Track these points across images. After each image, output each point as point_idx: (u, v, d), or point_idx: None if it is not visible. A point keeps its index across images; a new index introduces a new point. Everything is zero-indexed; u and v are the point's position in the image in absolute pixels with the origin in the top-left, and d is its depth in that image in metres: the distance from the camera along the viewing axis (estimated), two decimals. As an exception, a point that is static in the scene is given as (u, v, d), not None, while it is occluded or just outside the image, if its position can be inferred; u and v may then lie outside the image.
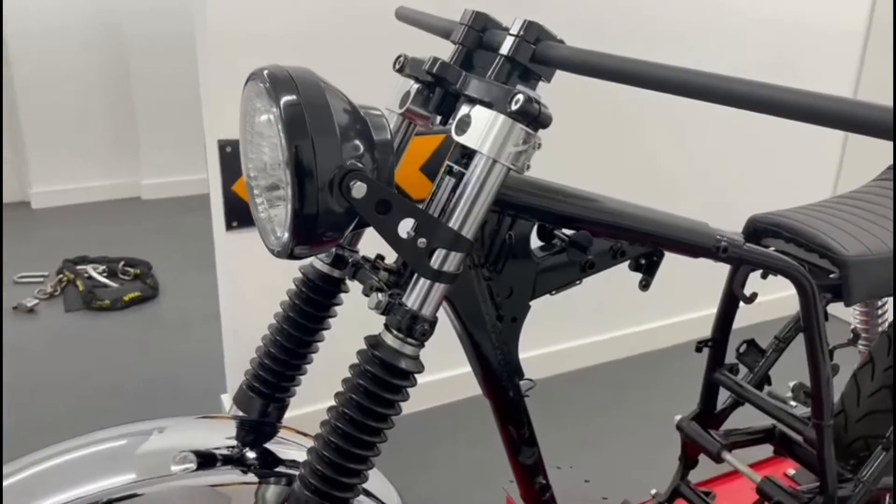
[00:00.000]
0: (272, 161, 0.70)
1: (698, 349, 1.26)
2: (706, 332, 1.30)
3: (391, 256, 0.82)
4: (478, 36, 0.83)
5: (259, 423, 0.90)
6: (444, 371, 2.17)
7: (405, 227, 0.73)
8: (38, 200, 3.96)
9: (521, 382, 0.96)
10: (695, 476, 1.42)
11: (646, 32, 2.25)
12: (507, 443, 0.99)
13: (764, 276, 1.10)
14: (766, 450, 1.39)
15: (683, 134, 2.45)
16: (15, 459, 0.85)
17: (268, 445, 0.87)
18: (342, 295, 0.92)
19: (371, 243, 0.87)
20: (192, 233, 3.53)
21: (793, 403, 1.34)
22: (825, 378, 1.07)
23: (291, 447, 0.87)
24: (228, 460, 0.82)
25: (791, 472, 1.76)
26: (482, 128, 0.72)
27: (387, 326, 0.75)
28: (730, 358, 1.31)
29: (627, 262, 1.01)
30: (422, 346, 0.75)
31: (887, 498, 1.29)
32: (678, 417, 1.35)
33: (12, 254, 3.35)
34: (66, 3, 3.78)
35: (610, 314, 2.52)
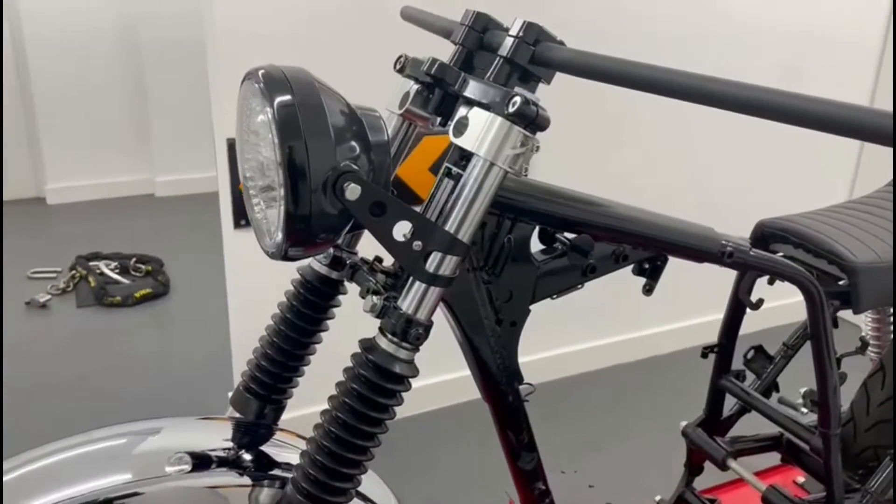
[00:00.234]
0: (267, 161, 0.70)
1: (704, 355, 1.25)
2: (712, 337, 1.29)
3: (389, 258, 0.82)
4: (478, 37, 0.82)
5: (255, 425, 0.89)
6: (449, 373, 2.17)
7: (402, 229, 0.72)
8: (54, 196, 3.99)
9: (521, 387, 0.95)
10: (700, 483, 1.40)
11: (653, 36, 2.23)
12: (507, 448, 0.98)
13: (771, 283, 1.08)
14: (775, 456, 1.37)
15: (696, 136, 2.43)
16: (13, 456, 0.85)
17: (263, 448, 0.87)
18: (341, 297, 0.92)
19: (372, 244, 0.86)
20: (205, 230, 3.53)
21: (804, 410, 1.32)
22: (832, 386, 1.05)
23: (287, 449, 0.86)
24: (223, 462, 0.82)
25: (800, 479, 1.73)
26: (479, 130, 0.71)
27: (381, 330, 0.74)
28: (736, 364, 1.29)
29: (631, 267, 0.99)
30: (416, 350, 0.75)
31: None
32: (684, 424, 1.33)
33: (26, 249, 3.38)
34: (83, 3, 3.81)
35: (613, 318, 2.50)
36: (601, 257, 0.93)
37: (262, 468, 0.83)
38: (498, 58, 0.74)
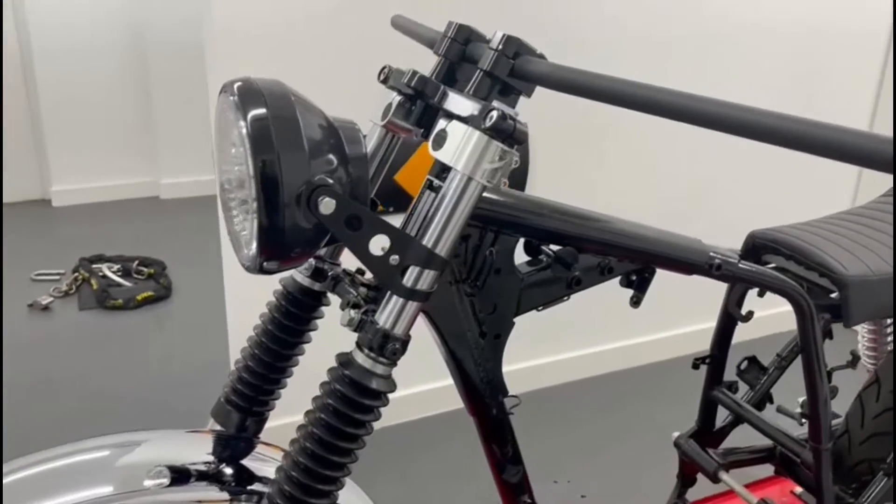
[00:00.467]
0: (241, 174, 0.70)
1: (695, 366, 1.24)
2: (703, 346, 1.28)
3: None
4: (461, 49, 0.81)
5: (236, 438, 0.89)
6: (435, 382, 2.17)
7: (380, 243, 0.72)
8: (59, 198, 4.01)
9: (506, 400, 0.94)
10: (694, 493, 1.39)
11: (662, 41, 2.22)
12: (492, 461, 0.98)
13: (761, 294, 1.07)
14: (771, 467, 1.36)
15: (690, 144, 2.40)
16: (-6, 466, 0.85)
17: (244, 461, 0.86)
18: (325, 308, 0.91)
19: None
20: (208, 232, 3.54)
21: (804, 421, 1.31)
22: (823, 400, 1.04)
23: (268, 463, 0.86)
24: (202, 476, 0.81)
25: (798, 490, 1.72)
26: (457, 143, 0.70)
27: (358, 344, 0.74)
28: (729, 374, 1.28)
29: (619, 279, 0.99)
30: (394, 365, 0.74)
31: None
32: (676, 434, 1.32)
33: (31, 251, 3.39)
34: (90, 4, 3.82)
35: (604, 325, 2.48)
36: (586, 269, 0.92)
37: (242, 482, 0.83)
38: (478, 70, 0.74)
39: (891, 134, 0.50)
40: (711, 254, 0.98)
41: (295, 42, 1.76)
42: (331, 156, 0.70)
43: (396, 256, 0.71)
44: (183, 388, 2.38)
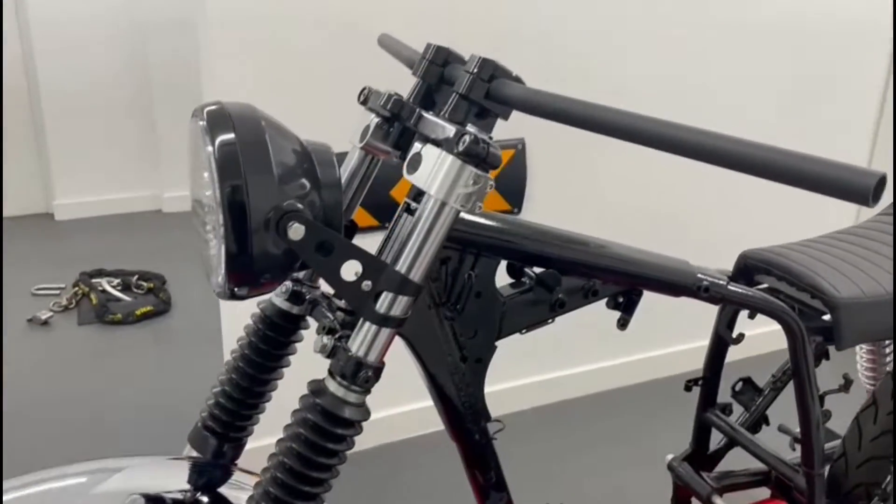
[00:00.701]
0: (210, 199, 0.69)
1: (687, 388, 1.21)
2: (698, 365, 1.26)
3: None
4: (439, 71, 0.80)
5: (213, 465, 0.87)
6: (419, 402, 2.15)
7: (352, 268, 0.70)
8: (62, 212, 4.02)
9: (489, 425, 0.93)
10: (689, 517, 1.37)
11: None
12: (475, 487, 0.96)
13: (752, 317, 1.05)
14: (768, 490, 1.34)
15: (688, 162, 2.38)
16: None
17: (221, 489, 0.85)
18: (304, 332, 0.90)
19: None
20: (208, 247, 3.55)
21: (797, 445, 1.29)
22: (815, 424, 1.02)
23: (244, 490, 0.84)
24: (177, 504, 0.80)
25: (798, 511, 1.69)
26: (431, 167, 0.69)
27: (331, 372, 0.72)
28: (723, 396, 1.26)
29: (605, 300, 0.97)
30: (367, 392, 0.73)
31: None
32: (670, 457, 1.30)
33: (32, 265, 3.40)
34: (92, 18, 3.84)
35: (594, 343, 2.42)
36: (570, 292, 0.91)
37: (216, 511, 0.82)
38: (454, 94, 0.73)
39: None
40: (699, 275, 0.96)
41: (291, 56, 1.76)
42: (302, 180, 0.69)
43: (369, 282, 0.70)
44: (179, 405, 2.36)
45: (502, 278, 0.90)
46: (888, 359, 1.36)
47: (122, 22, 3.90)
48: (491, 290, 0.86)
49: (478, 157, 0.67)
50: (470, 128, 0.69)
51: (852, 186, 0.47)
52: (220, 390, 0.88)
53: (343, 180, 0.84)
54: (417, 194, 0.78)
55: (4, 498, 0.83)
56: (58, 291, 3.13)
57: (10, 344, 2.71)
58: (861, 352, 1.37)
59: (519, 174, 2.00)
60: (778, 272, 1.07)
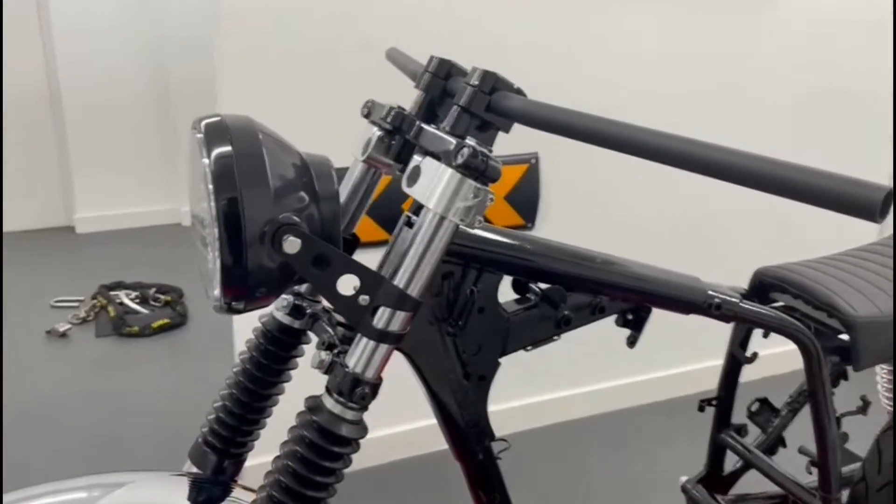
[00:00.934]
0: (205, 212, 0.68)
1: (701, 408, 1.18)
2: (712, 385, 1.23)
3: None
4: (442, 84, 0.79)
5: (213, 482, 0.86)
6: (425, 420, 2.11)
7: (350, 282, 0.69)
8: (83, 225, 4.06)
9: (493, 444, 0.91)
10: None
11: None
12: (479, 508, 0.94)
13: (765, 335, 1.02)
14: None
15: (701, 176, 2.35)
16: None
17: (219, 506, 0.84)
18: (306, 346, 0.89)
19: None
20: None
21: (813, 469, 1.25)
22: (832, 447, 0.98)
23: (243, 508, 0.83)
24: (174, 522, 0.79)
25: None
26: (430, 181, 0.68)
27: (328, 388, 0.71)
28: (737, 416, 1.23)
29: (614, 317, 0.95)
30: (364, 409, 0.71)
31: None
32: (683, 479, 1.26)
33: (52, 278, 3.43)
34: (115, 33, 3.90)
35: (605, 361, 2.38)
36: (576, 308, 0.89)
37: (213, 528, 0.80)
38: (455, 106, 0.72)
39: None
40: (710, 292, 0.94)
41: (303, 68, 1.76)
42: (300, 193, 0.69)
43: (366, 297, 0.69)
44: (193, 418, 2.36)
45: (507, 294, 0.89)
46: (910, 380, 1.32)
47: (144, 37, 3.96)
48: (494, 305, 0.85)
49: (476, 169, 0.66)
50: (469, 140, 0.68)
51: (858, 201, 0.45)
52: (221, 405, 0.87)
53: (345, 194, 0.84)
54: (418, 208, 0.77)
55: None
56: (77, 304, 3.15)
57: (28, 355, 2.73)
58: (881, 372, 1.34)
59: (532, 189, 1.99)
60: (794, 290, 1.04)
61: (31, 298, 3.18)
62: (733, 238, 2.41)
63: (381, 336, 0.69)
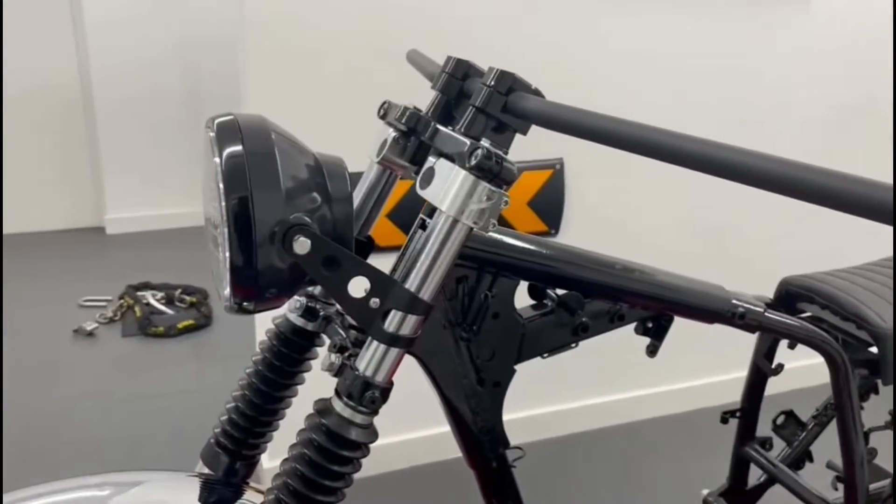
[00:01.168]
0: (216, 212, 0.67)
1: (724, 420, 1.16)
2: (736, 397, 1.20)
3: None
4: (459, 84, 0.78)
5: (224, 484, 0.86)
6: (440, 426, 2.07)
7: (361, 284, 0.68)
8: (113, 226, 4.12)
9: (508, 452, 0.89)
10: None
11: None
12: (493, 517, 0.92)
13: (791, 346, 0.99)
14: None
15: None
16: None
17: (230, 508, 0.83)
18: (319, 349, 0.88)
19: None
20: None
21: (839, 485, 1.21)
22: (859, 462, 0.95)
23: (253, 510, 0.83)
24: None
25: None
26: (443, 183, 0.67)
27: (337, 392, 0.70)
28: (762, 430, 1.20)
29: (634, 325, 0.93)
30: (374, 414, 0.70)
31: None
32: (705, 492, 1.23)
33: (81, 277, 3.48)
34: (145, 35, 3.95)
35: (624, 370, 2.33)
36: (595, 315, 0.87)
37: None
38: (470, 107, 0.70)
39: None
40: (734, 301, 0.91)
41: (326, 73, 1.77)
42: (312, 194, 0.68)
43: (377, 299, 0.68)
44: (215, 418, 2.37)
45: (524, 300, 0.87)
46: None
47: (176, 37, 4.00)
48: (509, 311, 0.83)
49: (490, 171, 0.64)
50: (484, 142, 0.67)
51: (871, 203, 0.43)
52: (233, 407, 0.87)
53: (360, 196, 0.83)
54: (432, 210, 0.76)
55: None
56: (104, 303, 3.19)
57: (56, 353, 2.77)
58: (914, 387, 1.29)
59: (557, 195, 1.97)
60: (821, 300, 1.01)
61: (60, 297, 3.23)
62: (759, 246, 2.36)
63: (391, 340, 0.68)
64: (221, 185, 0.64)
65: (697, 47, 2.06)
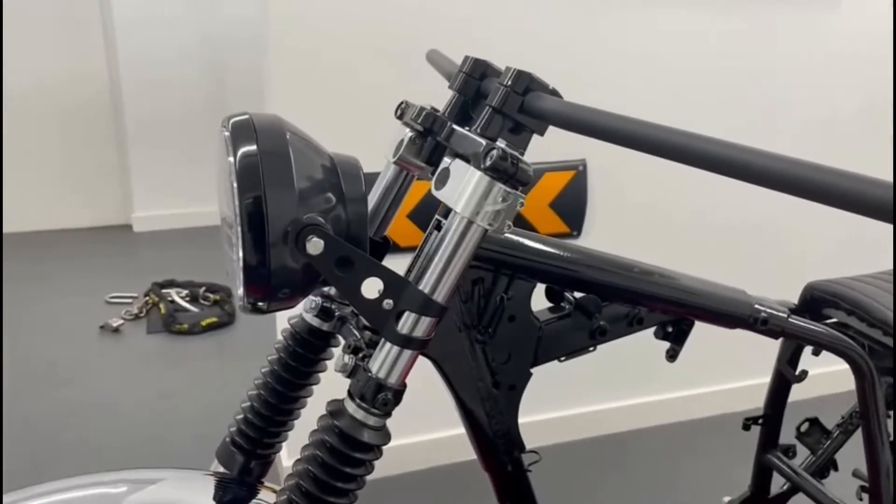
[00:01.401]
0: (229, 212, 0.67)
1: (746, 427, 1.13)
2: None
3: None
4: (476, 84, 0.78)
5: (239, 482, 0.86)
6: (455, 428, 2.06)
7: (374, 285, 0.68)
8: (140, 224, 4.17)
9: (524, 456, 0.88)
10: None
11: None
12: (508, 521, 0.91)
13: (816, 353, 0.97)
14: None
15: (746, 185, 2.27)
16: (12, 491, 0.85)
17: (244, 508, 0.83)
18: (335, 349, 0.88)
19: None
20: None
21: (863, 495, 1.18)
22: (885, 472, 0.93)
23: (267, 509, 0.83)
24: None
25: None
26: (458, 184, 0.66)
27: (350, 393, 0.70)
28: (785, 437, 1.17)
29: (654, 329, 0.92)
30: (387, 416, 0.70)
31: None
32: (727, 500, 1.21)
33: (108, 274, 3.52)
34: (174, 36, 4.00)
35: (646, 375, 2.30)
36: (613, 319, 0.86)
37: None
38: (487, 107, 0.70)
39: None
40: (757, 306, 0.89)
41: (349, 71, 1.77)
42: (326, 194, 0.68)
43: (390, 301, 0.67)
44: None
45: (541, 302, 0.86)
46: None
47: (202, 35, 4.05)
48: (525, 313, 0.82)
49: (506, 172, 0.64)
50: (500, 143, 0.66)
51: (870, 200, 0.42)
52: (249, 406, 0.87)
53: (376, 196, 0.82)
54: (447, 211, 0.75)
55: (44, 500, 0.84)
56: (130, 300, 3.23)
57: (82, 349, 2.81)
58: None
59: (579, 197, 1.95)
60: (846, 306, 0.99)
61: (87, 293, 3.27)
62: (784, 250, 2.32)
63: (405, 341, 0.68)
64: (235, 185, 0.64)
65: (697, 47, 2.03)
